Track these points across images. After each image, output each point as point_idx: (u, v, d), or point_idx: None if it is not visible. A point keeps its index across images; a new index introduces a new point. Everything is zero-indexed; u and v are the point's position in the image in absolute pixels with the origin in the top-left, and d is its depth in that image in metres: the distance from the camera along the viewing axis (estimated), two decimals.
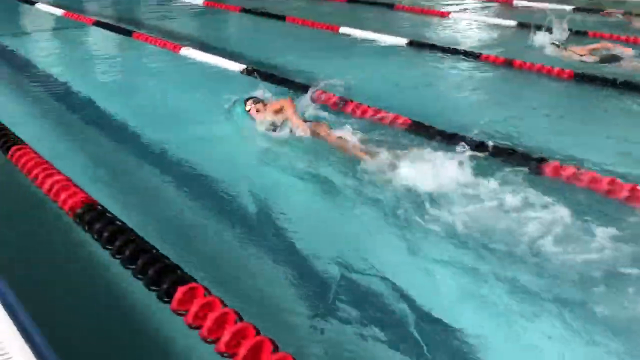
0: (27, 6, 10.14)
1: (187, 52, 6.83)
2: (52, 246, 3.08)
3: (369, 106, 4.84)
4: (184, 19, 10.04)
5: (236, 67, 6.12)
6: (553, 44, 7.22)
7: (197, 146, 4.27)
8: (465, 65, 6.72)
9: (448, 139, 4.18)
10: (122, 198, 3.49)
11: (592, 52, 6.92)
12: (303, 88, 5.30)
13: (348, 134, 4.12)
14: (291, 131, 4.30)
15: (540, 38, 7.40)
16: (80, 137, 4.50)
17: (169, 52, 6.97)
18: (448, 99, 5.64)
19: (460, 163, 3.63)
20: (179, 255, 2.66)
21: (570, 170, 3.73)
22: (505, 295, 2.63)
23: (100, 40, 7.29)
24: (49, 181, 3.28)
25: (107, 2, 11.71)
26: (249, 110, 4.59)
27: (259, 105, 4.56)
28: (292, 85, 5.50)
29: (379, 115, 4.69)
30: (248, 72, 5.96)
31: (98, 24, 8.30)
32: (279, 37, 8.44)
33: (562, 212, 3.19)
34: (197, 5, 10.87)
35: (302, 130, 4.25)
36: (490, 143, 3.98)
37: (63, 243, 3.08)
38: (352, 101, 4.97)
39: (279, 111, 4.38)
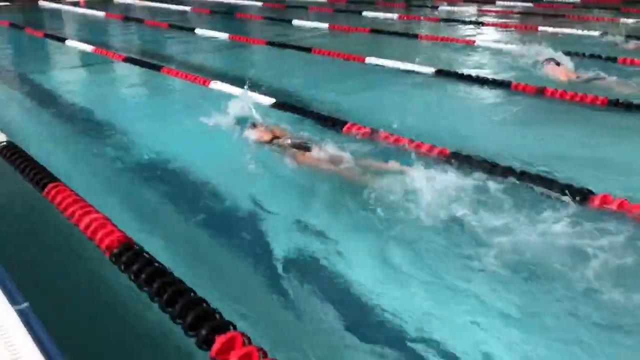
0: (57, 43, 10.39)
1: (216, 85, 6.88)
2: (88, 284, 3.05)
3: (402, 136, 4.78)
4: (210, 53, 10.17)
5: (266, 100, 6.13)
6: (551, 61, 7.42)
7: (230, 181, 4.24)
8: (495, 93, 6.64)
9: (490, 169, 4.09)
10: (158, 236, 3.44)
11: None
12: (334, 121, 5.30)
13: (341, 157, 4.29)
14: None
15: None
16: (114, 173, 4.51)
17: (198, 85, 7.03)
18: (482, 129, 5.55)
19: (504, 192, 3.56)
20: (218, 299, 2.60)
21: (617, 201, 3.61)
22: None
23: (130, 76, 7.40)
24: (85, 219, 3.27)
25: (134, 38, 11.97)
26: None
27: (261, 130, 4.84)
28: (322, 118, 5.46)
29: (413, 145, 4.62)
30: (278, 105, 5.96)
31: (128, 59, 8.44)
32: (306, 68, 8.48)
33: (614, 244, 3.07)
34: (222, 39, 11.03)
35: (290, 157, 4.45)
36: (531, 172, 3.88)
37: (100, 282, 3.04)
38: (383, 131, 4.92)
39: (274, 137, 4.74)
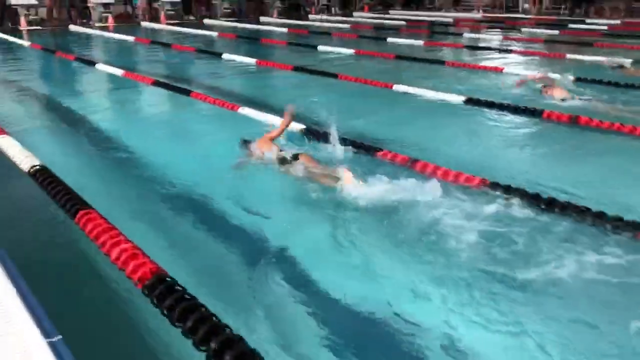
0: (88, 67, 10.57)
1: (245, 111, 6.88)
2: (120, 316, 2.97)
3: (438, 165, 4.69)
4: (237, 77, 10.24)
5: (294, 126, 6.08)
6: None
7: (263, 210, 4.15)
8: (527, 121, 6.52)
9: (531, 200, 3.98)
10: (191, 265, 3.37)
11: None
12: (364, 148, 5.24)
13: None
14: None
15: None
16: (144, 199, 4.47)
17: (227, 111, 7.04)
18: (518, 159, 5.41)
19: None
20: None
21: None
22: None
23: (159, 100, 7.44)
24: (116, 249, 3.21)
25: (162, 63, 12.13)
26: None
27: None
28: (352, 144, 5.39)
29: (451, 174, 4.51)
30: (306, 132, 5.91)
31: (157, 83, 8.51)
32: (333, 94, 8.43)
33: None
34: (249, 64, 11.10)
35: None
36: (575, 204, 3.75)
37: (133, 313, 2.96)
38: (420, 160, 4.83)
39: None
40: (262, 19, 22.31)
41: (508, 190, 4.16)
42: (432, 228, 3.64)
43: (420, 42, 14.22)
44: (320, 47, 13.31)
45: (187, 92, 7.86)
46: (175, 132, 6.45)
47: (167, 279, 2.92)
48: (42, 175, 4.39)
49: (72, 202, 3.84)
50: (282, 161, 4.70)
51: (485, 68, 10.15)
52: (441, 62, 10.80)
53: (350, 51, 12.55)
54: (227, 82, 9.68)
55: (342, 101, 7.92)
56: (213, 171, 5.02)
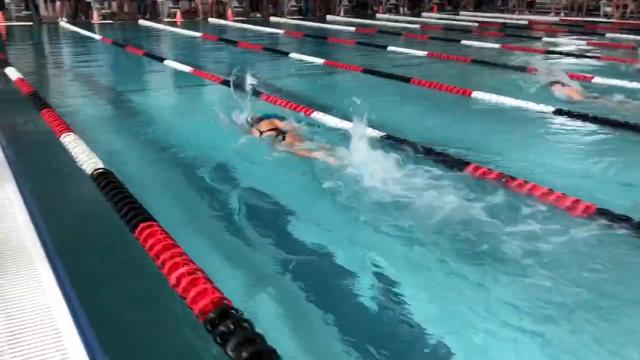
0: (156, 63, 10.48)
1: (319, 116, 6.50)
2: (179, 346, 2.64)
3: (536, 184, 4.15)
4: (305, 78, 9.88)
5: (373, 132, 5.64)
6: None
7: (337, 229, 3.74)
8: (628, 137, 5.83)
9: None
10: (262, 297, 2.99)
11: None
12: (454, 161, 4.74)
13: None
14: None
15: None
16: (211, 212, 4.14)
17: (299, 115, 6.68)
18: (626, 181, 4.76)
19: None
20: None
21: None
22: None
23: (228, 100, 7.13)
24: (175, 272, 2.87)
25: (229, 61, 11.92)
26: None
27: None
28: (438, 156, 4.91)
29: (552, 197, 3.96)
30: (388, 139, 5.48)
31: (225, 83, 8.25)
32: (407, 100, 7.93)
33: None
34: (317, 64, 10.74)
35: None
36: None
37: (194, 347, 2.62)
38: (514, 178, 4.30)
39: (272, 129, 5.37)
40: (329, 17, 21.97)
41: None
42: None
43: (496, 45, 13.44)
44: (391, 48, 12.80)
45: (257, 94, 7.54)
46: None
47: (232, 311, 2.55)
48: (105, 180, 4.14)
49: (134, 213, 3.55)
50: (274, 141, 5.26)
51: (572, 77, 9.35)
52: (521, 69, 10.06)
53: (423, 53, 11.97)
54: (294, 83, 9.35)
55: (416, 108, 7.42)
56: (290, 184, 4.63)
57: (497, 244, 3.35)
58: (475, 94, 7.66)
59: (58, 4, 18.68)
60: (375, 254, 3.36)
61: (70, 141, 4.96)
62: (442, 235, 3.50)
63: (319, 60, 10.88)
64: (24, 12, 18.47)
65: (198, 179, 4.70)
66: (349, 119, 5.80)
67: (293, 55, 11.61)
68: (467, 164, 4.66)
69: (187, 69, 9.47)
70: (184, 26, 18.05)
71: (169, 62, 10.14)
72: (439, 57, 11.66)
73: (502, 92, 7.54)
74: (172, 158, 5.22)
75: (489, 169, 4.51)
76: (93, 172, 4.32)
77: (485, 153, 5.18)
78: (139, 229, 3.34)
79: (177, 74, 9.41)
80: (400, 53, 12.31)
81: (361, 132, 4.70)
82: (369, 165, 4.34)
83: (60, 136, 5.25)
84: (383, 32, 17.02)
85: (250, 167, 5.00)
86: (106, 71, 10.92)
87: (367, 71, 9.73)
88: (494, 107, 7.22)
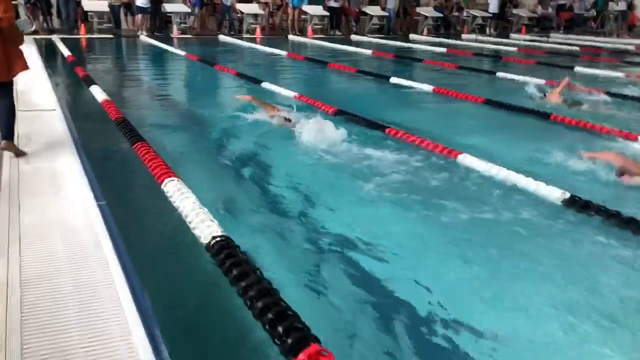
0: (253, 85, 9.47)
1: (466, 160, 5.37)
2: None
3: None
4: (415, 109, 8.75)
5: (553, 193, 4.47)
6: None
7: None
8: None
9: None
10: None
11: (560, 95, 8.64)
12: None
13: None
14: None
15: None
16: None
17: (440, 156, 5.58)
18: None
19: None
20: None
21: None
22: None
23: (350, 134, 6.09)
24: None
25: (328, 85, 10.94)
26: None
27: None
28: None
29: None
30: (572, 204, 4.29)
31: (340, 113, 7.23)
32: (552, 143, 6.48)
33: None
34: (425, 91, 9.61)
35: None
36: None
37: None
38: None
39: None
40: (412, 36, 20.88)
41: None
42: None
43: (617, 74, 11.94)
44: (500, 74, 11.53)
45: (380, 127, 6.48)
46: (369, 183, 4.99)
47: None
48: (225, 251, 3.17)
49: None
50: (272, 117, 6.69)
51: None
52: None
53: (540, 81, 10.58)
54: (404, 114, 8.09)
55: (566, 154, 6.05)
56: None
57: None
58: None
59: (138, 17, 18.35)
60: None
61: (187, 206, 3.90)
62: None
63: (427, 87, 9.73)
64: (105, 25, 18.22)
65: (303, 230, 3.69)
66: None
67: (395, 80, 10.51)
68: None
69: (289, 93, 8.51)
70: (264, 43, 17.30)
71: (267, 85, 9.21)
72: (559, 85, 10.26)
73: None
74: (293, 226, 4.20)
75: None
76: (210, 242, 3.33)
77: None
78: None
79: (279, 98, 8.34)
80: (513, 80, 11.00)
81: None
82: None
83: (161, 183, 4.31)
84: (480, 55, 15.79)
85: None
86: (196, 92, 10.13)
87: (490, 102, 8.50)
88: None
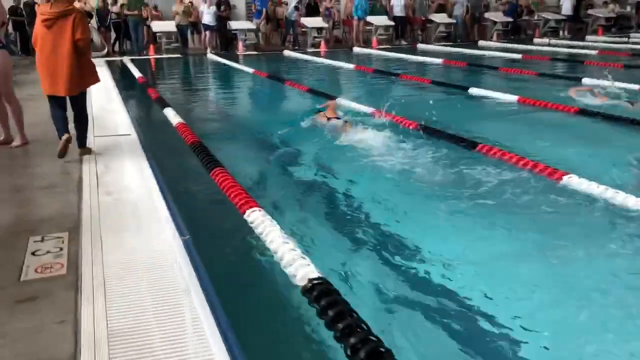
0: (320, 99, 9.18)
1: (573, 181, 4.80)
2: None
3: None
4: (500, 121, 8.15)
5: None
6: None
7: None
8: None
9: None
10: None
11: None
12: None
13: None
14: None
15: None
16: None
17: (541, 178, 5.03)
18: None
19: None
20: None
21: None
22: None
23: (436, 152, 5.65)
24: None
25: (404, 99, 10.44)
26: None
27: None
28: None
29: None
30: None
31: (424, 129, 6.78)
32: None
33: None
34: (510, 101, 8.99)
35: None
36: None
37: None
38: None
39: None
40: (481, 42, 20.08)
41: None
42: None
43: None
44: (586, 80, 10.69)
45: (472, 145, 5.98)
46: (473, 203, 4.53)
47: None
48: (322, 296, 2.85)
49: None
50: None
51: None
52: None
53: (634, 87, 9.70)
54: (495, 127, 7.53)
55: None
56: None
57: None
58: None
59: (205, 35, 18.57)
60: None
61: (281, 250, 3.56)
62: None
63: (510, 97, 9.11)
64: (173, 45, 18.53)
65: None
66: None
67: (474, 90, 9.93)
68: None
69: (365, 109, 8.13)
70: (329, 56, 17.03)
71: (343, 101, 8.83)
72: None
73: None
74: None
75: None
76: (307, 284, 2.98)
77: None
78: None
79: (356, 115, 7.95)
80: (599, 86, 10.11)
81: None
82: None
83: (244, 213, 4.03)
84: (560, 60, 14.90)
85: None
86: (270, 111, 9.86)
87: (585, 113, 7.80)
88: None
